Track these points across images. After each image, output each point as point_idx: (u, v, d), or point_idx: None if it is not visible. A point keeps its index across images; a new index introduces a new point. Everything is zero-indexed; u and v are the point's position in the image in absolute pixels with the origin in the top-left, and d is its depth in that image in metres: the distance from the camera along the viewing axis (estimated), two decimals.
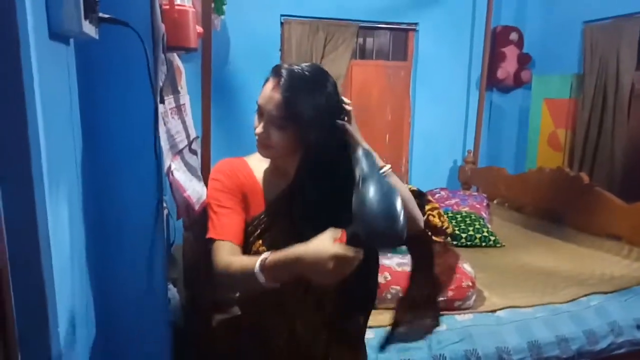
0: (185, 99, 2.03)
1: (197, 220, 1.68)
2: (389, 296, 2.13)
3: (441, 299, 2.17)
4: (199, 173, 1.93)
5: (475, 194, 3.99)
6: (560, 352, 2.12)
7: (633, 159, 3.59)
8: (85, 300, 1.17)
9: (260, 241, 1.17)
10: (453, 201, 3.77)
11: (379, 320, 2.02)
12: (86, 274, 1.18)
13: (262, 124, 1.13)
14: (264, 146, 1.15)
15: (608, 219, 3.05)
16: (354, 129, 1.11)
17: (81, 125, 1.14)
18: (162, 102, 1.32)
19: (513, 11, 4.37)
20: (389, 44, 4.29)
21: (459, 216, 3.37)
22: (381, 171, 1.03)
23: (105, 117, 1.19)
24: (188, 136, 1.99)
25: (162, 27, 1.36)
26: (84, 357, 1.12)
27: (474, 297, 2.26)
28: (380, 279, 2.10)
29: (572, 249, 3.08)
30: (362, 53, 4.25)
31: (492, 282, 2.53)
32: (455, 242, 3.20)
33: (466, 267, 2.30)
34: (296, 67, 1.11)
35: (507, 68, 4.29)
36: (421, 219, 1.20)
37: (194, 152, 2.02)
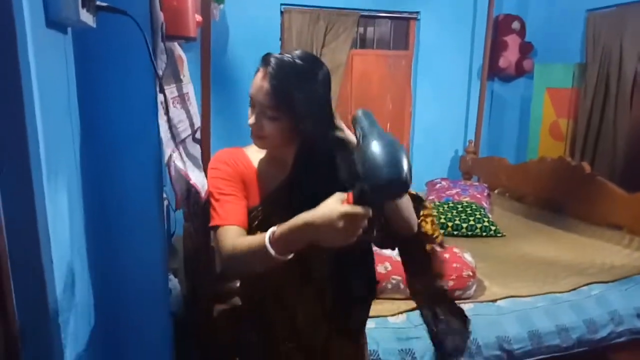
0: (188, 87, 2.02)
1: (198, 211, 1.68)
2: (389, 286, 2.14)
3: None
4: (201, 163, 1.93)
5: (476, 184, 3.99)
6: (561, 341, 2.12)
7: (635, 148, 3.57)
8: (85, 291, 1.17)
9: (258, 232, 1.17)
10: (454, 191, 3.77)
11: (379, 310, 2.04)
12: (86, 265, 1.18)
13: (254, 115, 1.12)
14: (257, 137, 1.14)
15: (609, 209, 3.05)
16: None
17: (79, 115, 1.14)
18: (162, 91, 1.31)
19: None
20: (390, 33, 4.26)
21: (459, 206, 3.37)
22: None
23: (104, 107, 1.18)
24: (192, 125, 1.98)
25: (161, 16, 1.35)
26: (85, 348, 1.12)
27: (474, 287, 2.26)
28: (381, 269, 2.11)
29: (573, 239, 3.08)
30: (362, 42, 4.22)
31: (492, 271, 2.53)
32: (456, 232, 3.20)
33: (467, 256, 2.30)
34: (286, 55, 1.09)
35: (509, 57, 4.26)
36: (416, 222, 1.19)
37: (197, 141, 2.02)
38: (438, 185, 3.95)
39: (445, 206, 3.39)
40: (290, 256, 0.99)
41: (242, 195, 1.18)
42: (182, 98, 1.89)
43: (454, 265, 2.22)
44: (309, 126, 1.07)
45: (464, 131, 4.45)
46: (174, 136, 1.44)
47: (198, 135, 2.01)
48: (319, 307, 1.23)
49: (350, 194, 0.91)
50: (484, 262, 2.59)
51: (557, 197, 3.44)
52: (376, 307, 2.01)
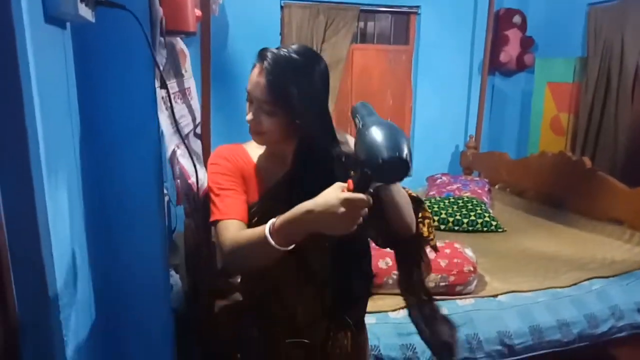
0: (190, 82, 2.02)
1: (198, 207, 1.67)
2: (390, 281, 2.13)
3: (442, 284, 2.19)
4: (202, 158, 1.92)
5: (477, 179, 3.98)
6: (562, 335, 2.13)
7: (636, 143, 3.56)
8: (86, 287, 1.17)
9: None
10: (455, 186, 3.76)
11: (380, 306, 2.04)
12: (87, 261, 1.18)
13: (252, 111, 1.12)
14: (256, 133, 1.14)
15: (610, 204, 3.04)
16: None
17: (79, 111, 1.13)
18: (165, 86, 1.30)
19: None
20: (390, 27, 4.24)
21: (460, 201, 3.37)
22: None
23: (103, 102, 1.17)
24: (194, 120, 1.98)
25: (160, 10, 1.35)
26: (86, 344, 1.12)
27: (475, 282, 2.26)
28: (382, 265, 2.11)
29: (573, 234, 3.08)
30: (363, 37, 4.21)
31: (493, 267, 2.53)
32: (456, 228, 3.20)
33: (467, 252, 2.30)
34: (283, 50, 1.08)
35: (510, 51, 4.25)
36: (414, 223, 1.19)
37: (198, 136, 2.01)
38: (439, 180, 3.94)
39: (446, 201, 3.38)
40: (291, 247, 0.99)
41: (242, 190, 1.17)
42: (183, 93, 1.88)
43: (455, 260, 2.22)
44: (307, 121, 1.07)
45: (464, 126, 4.44)
46: (177, 131, 1.43)
47: (199, 130, 2.00)
48: (318, 303, 1.23)
49: (351, 181, 0.91)
50: (484, 257, 2.59)
51: (558, 192, 3.44)
52: (377, 303, 2.02)
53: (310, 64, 1.08)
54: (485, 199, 3.59)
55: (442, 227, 3.21)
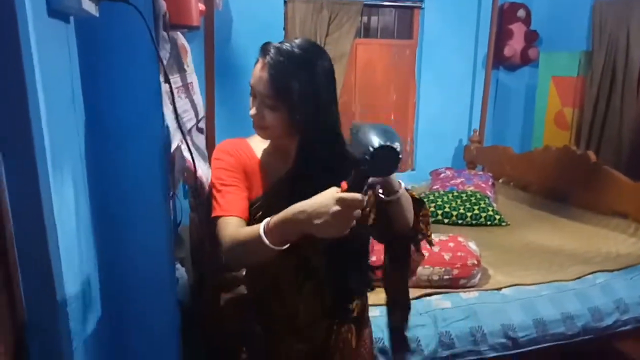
0: (192, 77, 2.02)
1: (203, 201, 1.68)
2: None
3: (446, 277, 2.19)
4: (205, 153, 1.93)
5: (481, 173, 3.98)
6: (566, 329, 2.13)
7: None
8: (92, 281, 1.18)
9: None
10: (458, 180, 3.76)
11: (383, 299, 2.04)
12: (93, 255, 1.18)
13: (255, 106, 1.12)
14: (259, 127, 1.14)
15: (615, 198, 3.04)
16: None
17: (84, 106, 1.13)
18: (168, 81, 1.30)
19: None
20: (394, 22, 4.23)
21: (464, 195, 3.37)
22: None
23: (108, 96, 1.17)
24: (197, 114, 1.98)
25: (164, 5, 1.35)
26: (93, 337, 1.13)
27: (479, 276, 2.26)
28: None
29: (577, 228, 3.07)
30: (366, 32, 4.19)
31: (497, 260, 2.54)
32: (460, 221, 3.20)
33: (471, 245, 2.30)
34: (285, 44, 1.08)
35: (514, 46, 4.22)
36: (412, 220, 1.20)
37: (201, 131, 2.02)
38: (442, 174, 3.94)
39: (450, 195, 3.38)
40: (286, 246, 0.99)
41: (244, 186, 1.17)
42: (186, 88, 1.89)
43: (459, 253, 2.22)
44: (309, 117, 1.07)
45: (468, 120, 4.43)
46: (180, 126, 1.44)
47: (201, 124, 2.01)
48: (318, 302, 1.23)
49: (345, 182, 0.91)
50: (488, 250, 2.59)
51: (562, 186, 3.43)
52: (380, 295, 2.02)
53: (314, 58, 1.08)
54: (489, 193, 3.59)
55: (446, 220, 3.21)
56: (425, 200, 3.37)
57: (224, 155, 1.20)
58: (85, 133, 1.13)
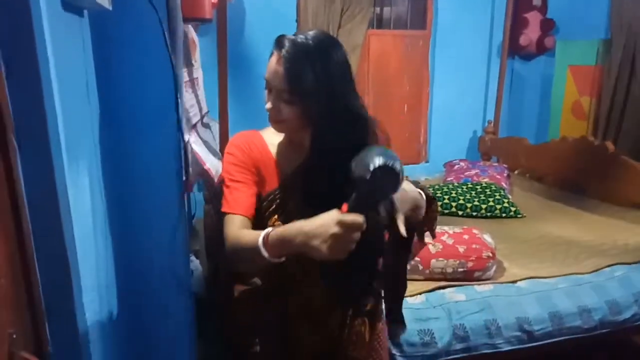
0: (198, 72, 2.02)
1: (218, 193, 1.69)
2: (408, 267, 2.13)
3: (460, 269, 2.18)
4: (213, 147, 1.93)
5: (496, 164, 3.94)
6: (582, 322, 2.10)
7: None
8: (108, 272, 1.19)
9: (276, 216, 1.17)
10: (473, 172, 3.72)
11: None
12: (109, 246, 1.20)
13: (271, 100, 1.11)
14: (275, 121, 1.13)
15: (633, 189, 2.98)
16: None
17: (98, 98, 1.14)
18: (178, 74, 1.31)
19: None
20: (407, 12, 4.18)
21: (478, 187, 3.33)
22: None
23: (122, 89, 1.18)
24: (201, 110, 1.99)
25: None
26: (109, 327, 1.14)
27: (494, 268, 2.25)
28: None
29: (594, 219, 3.02)
30: (379, 22, 4.15)
31: (512, 252, 2.51)
32: (475, 213, 3.17)
33: (486, 237, 2.28)
34: (300, 36, 1.06)
35: (530, 34, 4.15)
36: (421, 217, 1.17)
37: (206, 126, 2.03)
38: (457, 166, 3.91)
39: (464, 187, 3.35)
40: (282, 259, 1.00)
41: (253, 183, 1.17)
42: (192, 82, 1.89)
43: (474, 246, 2.20)
44: (324, 107, 1.06)
45: (482, 111, 4.38)
46: (187, 120, 1.44)
47: (205, 120, 2.02)
48: (333, 292, 1.23)
49: (345, 204, 0.91)
50: (503, 243, 2.56)
51: (579, 177, 3.38)
52: None
53: (329, 50, 1.06)
54: (504, 185, 3.55)
55: (460, 212, 3.19)
56: (439, 192, 3.33)
57: (235, 150, 1.19)
58: (99, 125, 1.14)
